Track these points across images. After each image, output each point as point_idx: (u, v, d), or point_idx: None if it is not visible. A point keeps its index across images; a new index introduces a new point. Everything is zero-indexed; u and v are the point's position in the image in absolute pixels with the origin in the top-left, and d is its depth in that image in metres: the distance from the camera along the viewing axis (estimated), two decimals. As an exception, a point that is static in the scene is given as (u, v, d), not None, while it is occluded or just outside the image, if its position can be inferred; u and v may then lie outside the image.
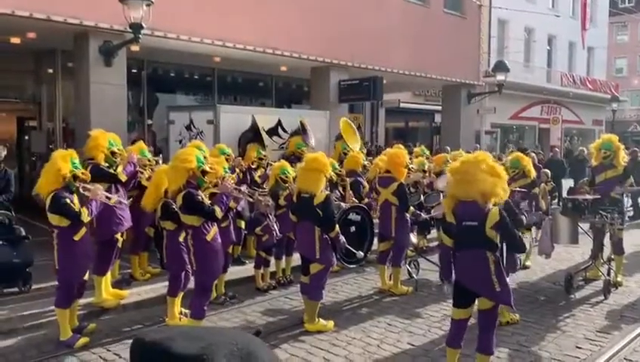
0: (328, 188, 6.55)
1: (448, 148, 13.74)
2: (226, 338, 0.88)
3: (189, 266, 5.51)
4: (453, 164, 4.92)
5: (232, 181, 6.52)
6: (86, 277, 5.49)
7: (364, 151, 11.21)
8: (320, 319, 5.85)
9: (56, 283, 5.40)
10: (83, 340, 5.32)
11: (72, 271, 5.29)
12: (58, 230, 5.24)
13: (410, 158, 9.22)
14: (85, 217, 5.17)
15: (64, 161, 5.21)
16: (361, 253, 7.65)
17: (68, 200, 5.12)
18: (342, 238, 5.97)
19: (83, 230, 5.32)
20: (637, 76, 40.51)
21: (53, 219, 5.20)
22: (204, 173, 5.39)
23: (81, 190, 5.35)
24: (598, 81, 30.30)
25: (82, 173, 5.40)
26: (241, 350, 0.86)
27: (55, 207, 5.12)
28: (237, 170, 7.86)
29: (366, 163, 9.10)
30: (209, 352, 0.84)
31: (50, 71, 12.05)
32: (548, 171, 11.17)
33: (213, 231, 5.34)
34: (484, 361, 4.53)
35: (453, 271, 4.59)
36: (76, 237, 5.24)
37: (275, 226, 6.99)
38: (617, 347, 5.42)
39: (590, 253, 7.89)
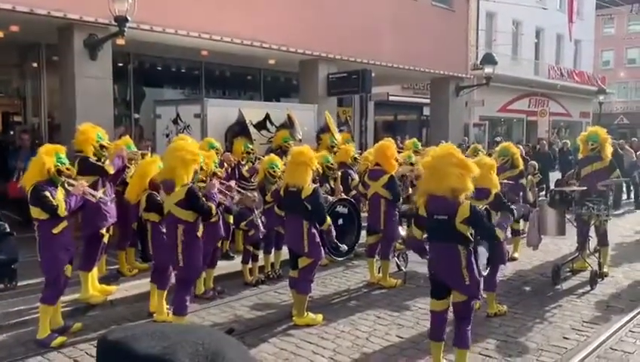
0: (318, 182, 6.55)
1: (443, 142, 13.73)
2: (192, 337, 0.86)
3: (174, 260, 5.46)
4: (425, 158, 4.95)
5: (221, 175, 6.51)
6: (69, 273, 5.43)
7: (352, 144, 11.18)
8: (309, 313, 5.85)
9: (44, 279, 5.36)
10: (60, 339, 5.24)
11: (53, 264, 5.24)
12: (38, 223, 5.23)
13: (400, 151, 9.25)
14: (62, 211, 5.14)
15: (48, 155, 5.22)
16: (345, 247, 7.66)
17: (47, 193, 5.11)
18: (333, 231, 6.00)
19: (63, 224, 5.27)
20: (623, 69, 40.82)
21: (34, 211, 5.19)
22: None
23: (65, 185, 5.33)
24: (585, 73, 30.48)
25: (67, 168, 5.38)
26: (207, 349, 0.84)
27: (34, 200, 5.12)
28: (225, 164, 7.83)
29: (357, 155, 9.08)
30: (171, 352, 0.82)
31: (35, 65, 11.89)
32: (535, 163, 11.22)
33: (201, 228, 5.37)
34: (461, 356, 4.53)
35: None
36: (55, 231, 5.20)
37: (260, 221, 6.95)
38: (603, 337, 5.48)
39: (577, 244, 7.96)
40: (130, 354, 0.82)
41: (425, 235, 4.71)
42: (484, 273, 4.76)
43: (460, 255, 4.35)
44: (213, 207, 5.25)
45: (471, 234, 4.42)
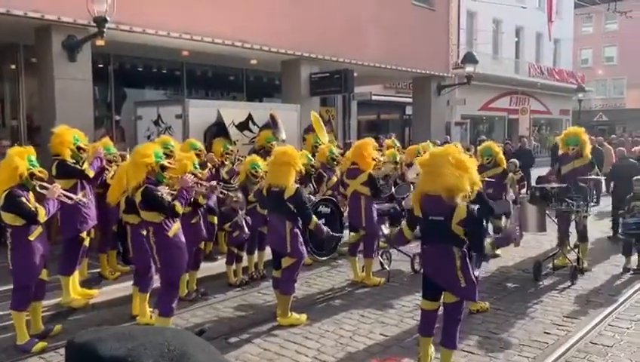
0: (299, 182, 6.54)
1: (438, 142, 13.80)
2: (159, 339, 0.85)
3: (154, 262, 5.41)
4: (423, 157, 4.93)
5: (203, 177, 6.45)
6: (45, 277, 5.35)
7: (336, 144, 11.21)
8: (293, 313, 5.85)
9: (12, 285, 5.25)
10: (40, 345, 5.15)
11: (27, 272, 5.11)
12: (12, 229, 5.07)
13: (381, 150, 9.29)
14: (42, 217, 5.02)
15: (20, 158, 5.05)
16: (342, 235, 7.72)
17: (23, 199, 4.97)
18: (324, 227, 6.03)
19: (39, 230, 5.16)
20: (601, 66, 41.42)
21: (7, 217, 5.02)
22: (163, 168, 5.27)
23: (38, 188, 5.18)
24: (564, 71, 30.91)
25: (39, 171, 5.24)
26: (173, 351, 0.84)
27: (9, 206, 4.96)
28: (209, 165, 7.79)
29: (335, 155, 9.08)
30: (135, 354, 0.81)
31: (13, 67, 11.71)
32: (516, 161, 11.34)
33: (175, 227, 5.23)
34: (447, 356, 4.52)
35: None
36: (31, 237, 5.07)
37: (245, 222, 6.93)
38: (584, 331, 5.55)
39: (557, 240, 8.07)
40: (95, 356, 0.82)
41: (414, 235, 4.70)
42: (477, 272, 4.75)
43: (455, 256, 4.29)
44: (177, 204, 5.13)
45: (466, 236, 4.37)
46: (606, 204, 11.67)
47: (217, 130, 9.01)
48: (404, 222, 4.99)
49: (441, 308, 4.58)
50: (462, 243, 4.32)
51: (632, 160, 10.65)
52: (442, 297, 4.52)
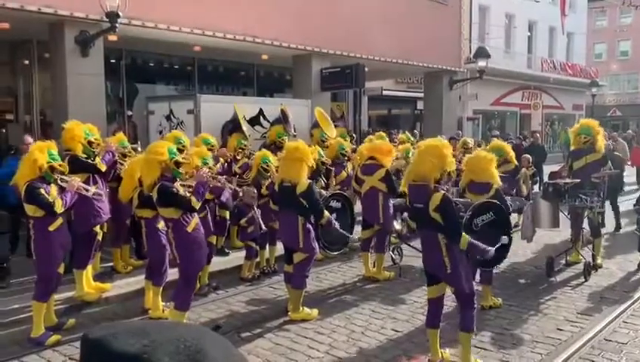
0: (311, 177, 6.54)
1: (444, 137, 13.72)
2: (174, 334, 0.84)
3: (171, 257, 5.45)
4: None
5: (214, 171, 6.47)
6: (61, 270, 5.41)
7: (347, 139, 11.18)
8: (304, 307, 5.85)
9: (35, 276, 5.34)
10: (55, 337, 5.21)
11: (49, 262, 5.22)
12: (34, 221, 5.19)
13: (394, 145, 9.25)
14: (59, 208, 5.11)
15: (41, 152, 5.18)
16: (350, 234, 7.71)
17: (42, 191, 5.08)
18: (334, 222, 6.04)
19: (59, 221, 5.25)
20: (616, 61, 40.96)
21: (29, 209, 5.16)
22: (177, 164, 5.29)
23: (59, 181, 5.29)
24: (577, 66, 30.56)
25: (60, 165, 5.34)
26: (189, 347, 0.82)
27: (29, 197, 5.08)
28: (221, 160, 7.80)
29: (345, 151, 9.04)
30: (150, 350, 0.80)
31: (26, 62, 11.80)
32: (529, 156, 11.26)
33: (193, 222, 5.27)
34: (465, 339, 4.57)
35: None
36: (51, 228, 5.18)
37: (259, 217, 6.95)
38: (598, 328, 5.51)
39: (570, 236, 7.99)
40: (109, 353, 0.81)
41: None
42: (477, 277, 4.80)
43: (439, 243, 4.39)
44: (193, 199, 5.14)
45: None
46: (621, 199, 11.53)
47: (233, 126, 9.04)
48: (405, 214, 5.14)
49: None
50: (445, 229, 4.39)
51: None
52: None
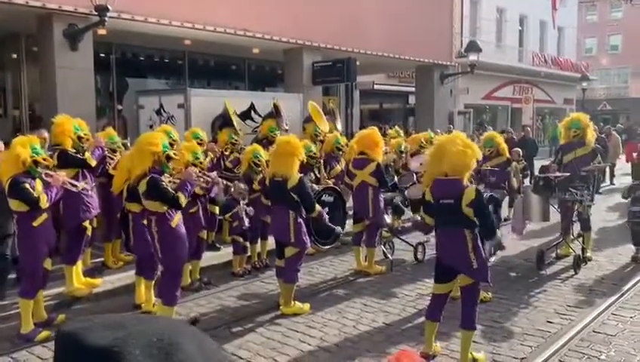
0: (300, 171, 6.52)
1: (438, 131, 13.74)
2: (150, 328, 0.84)
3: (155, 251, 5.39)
4: (432, 146, 4.98)
5: (204, 166, 6.43)
6: (49, 266, 5.36)
7: (341, 133, 11.16)
8: (296, 302, 5.85)
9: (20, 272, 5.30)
10: (44, 334, 5.16)
11: (32, 257, 5.16)
12: (17, 215, 5.15)
13: (385, 140, 9.25)
14: (44, 203, 5.06)
15: (23, 147, 5.11)
16: (339, 229, 7.69)
17: (27, 185, 5.02)
18: (325, 216, 6.02)
19: (43, 216, 5.19)
20: (606, 55, 41.16)
21: (13, 204, 5.10)
22: (168, 158, 5.22)
23: (43, 176, 5.21)
24: (568, 60, 30.67)
25: (44, 159, 5.26)
26: (163, 341, 0.82)
27: (13, 192, 5.02)
28: (210, 154, 7.76)
29: (340, 145, 9.04)
30: (121, 343, 0.80)
31: (15, 56, 11.70)
32: (519, 150, 11.30)
33: (177, 217, 5.18)
34: (466, 337, 4.58)
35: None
36: (35, 223, 5.12)
37: (245, 213, 6.92)
38: (587, 320, 5.55)
39: (561, 229, 8.04)
40: (80, 345, 0.81)
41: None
42: (493, 259, 4.78)
43: (466, 238, 4.38)
44: (182, 196, 5.06)
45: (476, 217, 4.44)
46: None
47: (223, 121, 9.00)
48: (421, 211, 5.05)
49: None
50: (473, 225, 4.40)
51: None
52: (458, 281, 4.59)
